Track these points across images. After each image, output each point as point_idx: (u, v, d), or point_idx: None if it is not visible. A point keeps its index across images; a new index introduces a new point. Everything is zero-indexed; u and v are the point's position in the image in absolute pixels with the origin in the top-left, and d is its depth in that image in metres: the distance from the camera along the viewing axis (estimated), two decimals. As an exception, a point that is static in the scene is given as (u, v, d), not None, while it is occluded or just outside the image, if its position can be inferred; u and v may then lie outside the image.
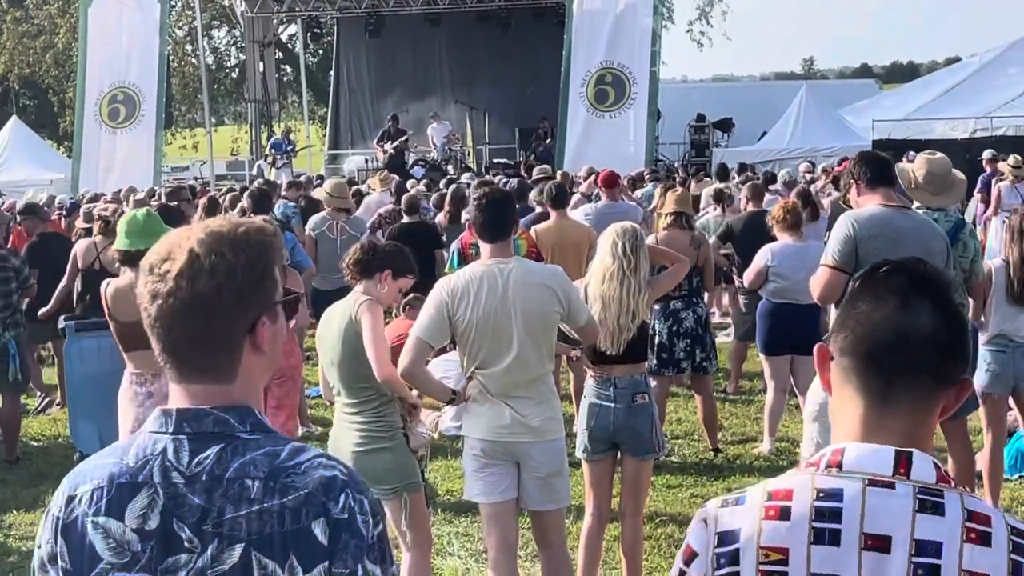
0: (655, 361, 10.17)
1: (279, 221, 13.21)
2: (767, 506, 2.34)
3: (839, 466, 2.32)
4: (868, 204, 6.80)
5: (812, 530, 2.28)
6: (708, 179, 22.40)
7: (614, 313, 6.89)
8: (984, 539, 2.24)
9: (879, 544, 2.25)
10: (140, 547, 2.40)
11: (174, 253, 2.45)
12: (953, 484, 2.29)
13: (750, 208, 12.98)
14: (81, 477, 2.49)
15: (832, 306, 6.80)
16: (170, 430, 2.43)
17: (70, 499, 2.47)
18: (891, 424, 2.33)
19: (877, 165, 6.90)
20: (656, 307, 10.08)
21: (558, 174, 19.91)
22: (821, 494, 2.30)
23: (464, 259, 10.28)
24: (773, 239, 10.50)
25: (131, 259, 7.44)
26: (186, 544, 2.39)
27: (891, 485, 2.27)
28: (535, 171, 21.47)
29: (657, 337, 10.20)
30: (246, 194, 13.02)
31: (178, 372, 2.47)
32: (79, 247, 12.01)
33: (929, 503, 2.26)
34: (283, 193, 19.11)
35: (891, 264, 2.40)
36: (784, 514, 2.31)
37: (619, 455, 7.15)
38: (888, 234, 6.54)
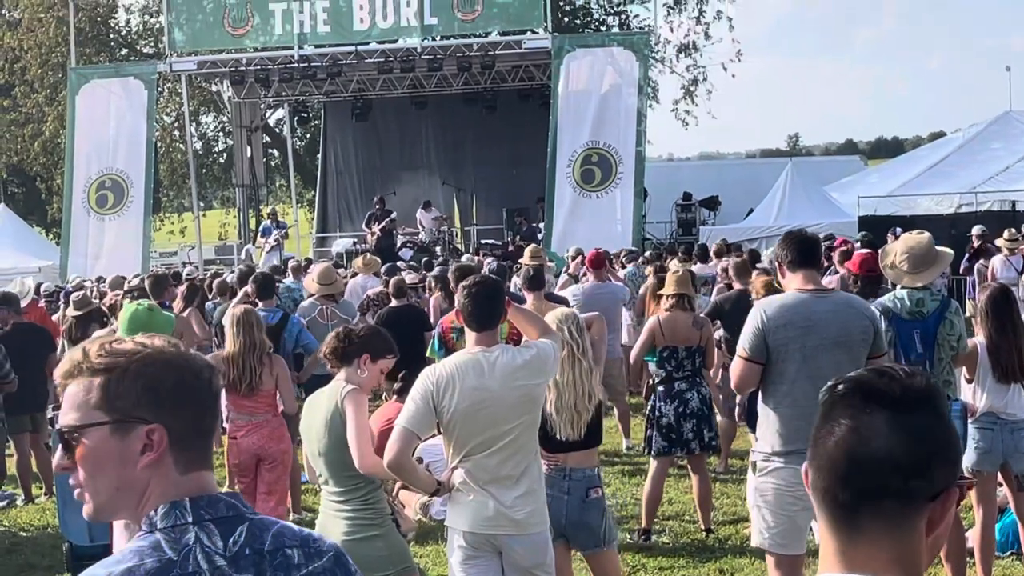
0: (664, 442, 10.27)
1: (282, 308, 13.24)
2: None
3: None
4: (790, 286, 6.92)
5: None
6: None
7: (570, 399, 6.95)
8: None
9: None
10: None
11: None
12: None
13: (736, 286, 12.98)
14: None
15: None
16: (189, 519, 2.43)
17: None
18: (869, 552, 2.11)
19: (799, 247, 6.92)
20: (660, 389, 10.33)
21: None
22: None
23: (445, 343, 10.26)
24: None
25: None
26: None
27: None
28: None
29: (664, 418, 10.29)
30: (250, 279, 13.02)
31: (197, 459, 2.51)
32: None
33: None
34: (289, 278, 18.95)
35: (845, 381, 2.16)
36: None
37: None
38: (797, 321, 6.64)
